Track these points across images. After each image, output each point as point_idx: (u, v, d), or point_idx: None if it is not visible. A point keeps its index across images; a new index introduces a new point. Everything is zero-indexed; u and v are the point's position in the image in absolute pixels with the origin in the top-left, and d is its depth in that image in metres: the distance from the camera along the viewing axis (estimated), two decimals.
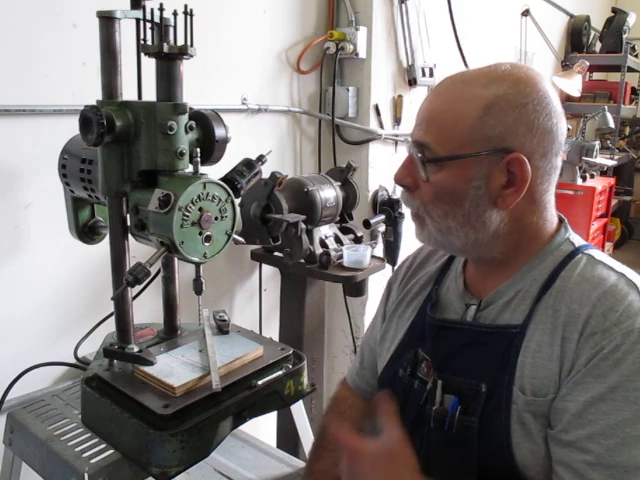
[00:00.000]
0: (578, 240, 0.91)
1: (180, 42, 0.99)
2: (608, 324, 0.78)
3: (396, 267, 1.17)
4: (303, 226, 1.69)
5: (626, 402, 0.76)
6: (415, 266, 1.10)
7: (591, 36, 4.85)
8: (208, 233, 0.97)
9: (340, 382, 1.22)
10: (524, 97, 0.82)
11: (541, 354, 0.82)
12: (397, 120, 2.36)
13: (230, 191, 0.99)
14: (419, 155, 0.86)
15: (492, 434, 0.84)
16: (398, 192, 2.40)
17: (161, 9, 0.97)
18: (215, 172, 1.02)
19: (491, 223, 0.85)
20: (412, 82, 2.37)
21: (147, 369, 1.02)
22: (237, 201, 1.02)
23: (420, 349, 0.96)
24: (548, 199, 0.89)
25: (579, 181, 3.87)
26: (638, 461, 0.75)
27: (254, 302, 2.09)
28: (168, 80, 0.99)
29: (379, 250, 2.25)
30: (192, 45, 0.99)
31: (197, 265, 1.01)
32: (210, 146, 1.04)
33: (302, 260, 1.76)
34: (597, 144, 3.94)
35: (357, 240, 1.92)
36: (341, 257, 1.78)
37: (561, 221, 0.93)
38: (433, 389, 0.91)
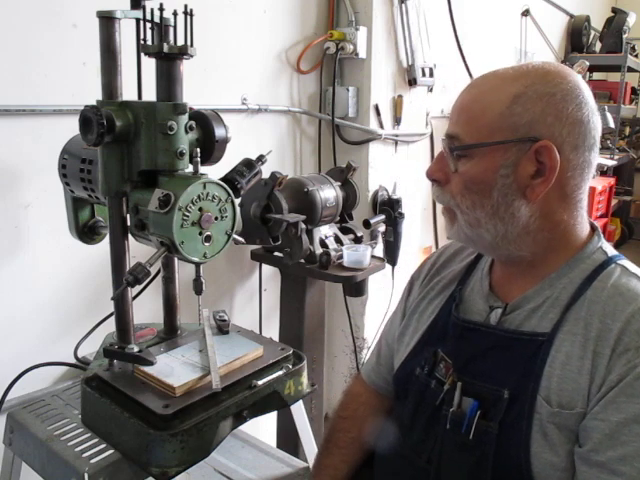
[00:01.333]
0: (611, 250, 0.90)
1: (180, 42, 0.98)
2: None
3: (420, 263, 1.16)
4: (303, 226, 1.69)
5: None
6: (439, 264, 1.09)
7: (591, 36, 4.84)
8: (208, 233, 0.97)
9: (354, 376, 1.22)
10: (552, 87, 0.82)
11: (570, 366, 0.81)
12: (397, 120, 2.36)
13: (230, 191, 0.99)
14: (449, 147, 0.87)
15: (511, 442, 0.82)
16: (398, 192, 2.40)
17: (161, 9, 0.97)
18: (215, 172, 1.02)
19: (520, 215, 0.84)
20: (412, 82, 2.37)
21: (147, 369, 1.02)
22: (237, 201, 1.02)
23: (440, 349, 0.95)
24: (580, 197, 0.87)
25: None
26: None
27: (254, 302, 2.09)
28: (168, 80, 0.99)
29: (379, 250, 2.25)
30: (192, 45, 0.99)
31: (197, 265, 1.01)
32: (210, 146, 1.03)
33: (302, 260, 1.76)
34: None
35: (357, 240, 1.92)
36: (341, 257, 1.78)
37: (593, 229, 0.92)
38: (451, 390, 0.90)
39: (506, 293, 0.93)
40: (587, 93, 0.84)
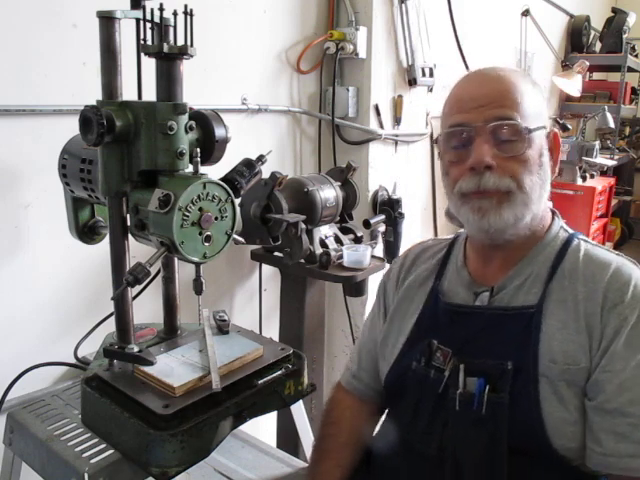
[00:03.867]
0: (568, 228, 1.02)
1: (180, 42, 0.98)
2: (627, 297, 0.87)
3: (387, 269, 1.20)
4: (303, 226, 1.69)
5: None
6: (408, 265, 1.14)
7: (591, 36, 4.84)
8: (208, 233, 0.97)
9: (335, 386, 1.22)
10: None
11: (568, 330, 0.89)
12: (397, 120, 2.36)
13: (230, 191, 0.99)
14: (518, 127, 0.91)
15: (523, 407, 0.88)
16: (398, 192, 2.40)
17: (161, 9, 0.97)
18: (215, 172, 1.02)
19: (547, 191, 0.96)
20: (412, 82, 2.37)
21: (147, 369, 1.02)
22: (237, 201, 1.02)
23: (433, 339, 0.99)
24: None
25: (579, 181, 3.87)
26: None
27: (254, 302, 2.09)
28: (168, 80, 0.99)
29: (379, 250, 2.25)
30: (192, 45, 0.99)
31: (197, 265, 1.01)
32: (210, 146, 1.03)
33: (302, 260, 1.76)
34: (597, 144, 3.93)
35: (357, 240, 1.92)
36: (341, 257, 1.78)
37: (553, 212, 1.03)
38: (453, 374, 0.95)
39: (487, 279, 1.00)
40: None
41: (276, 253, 1.87)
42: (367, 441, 1.12)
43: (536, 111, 0.94)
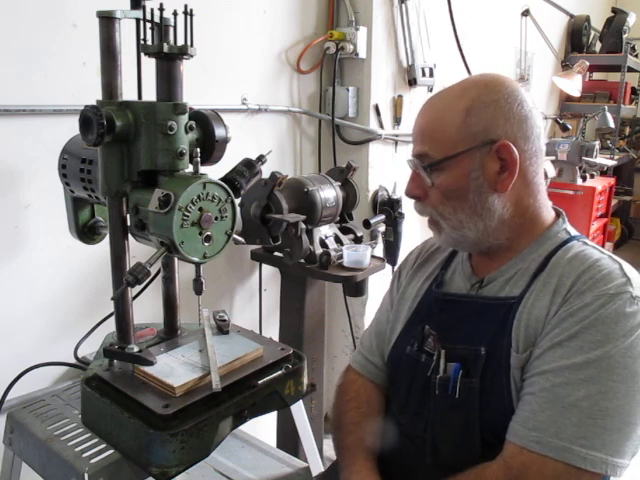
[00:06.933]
0: (573, 231, 1.01)
1: (180, 42, 0.98)
2: (584, 288, 0.88)
3: (406, 255, 1.25)
4: (303, 226, 1.69)
5: (580, 351, 0.84)
6: (425, 256, 1.18)
7: (591, 36, 4.85)
8: (208, 233, 0.97)
9: (345, 371, 1.24)
10: (495, 94, 0.94)
11: (534, 309, 0.91)
12: (397, 120, 2.36)
13: (230, 191, 0.99)
14: (422, 165, 0.96)
15: (494, 394, 0.90)
16: (398, 192, 2.40)
17: (161, 9, 0.97)
18: (215, 172, 1.02)
19: (495, 208, 0.95)
20: (412, 82, 2.37)
21: (147, 369, 1.02)
22: (237, 201, 1.02)
23: (427, 325, 1.03)
24: (539, 181, 0.99)
25: (579, 181, 3.87)
26: (574, 400, 0.82)
27: (254, 302, 2.09)
28: (168, 80, 0.99)
29: (379, 250, 2.25)
30: (192, 45, 0.99)
31: (197, 265, 1.01)
32: (210, 146, 1.04)
33: (302, 260, 1.76)
34: (597, 144, 3.93)
35: (357, 240, 1.92)
36: (341, 257, 1.78)
37: (558, 214, 1.03)
38: (438, 359, 0.98)
39: (486, 272, 1.03)
40: (524, 93, 0.96)
41: (276, 253, 1.87)
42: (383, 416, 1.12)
43: (460, 137, 0.93)
